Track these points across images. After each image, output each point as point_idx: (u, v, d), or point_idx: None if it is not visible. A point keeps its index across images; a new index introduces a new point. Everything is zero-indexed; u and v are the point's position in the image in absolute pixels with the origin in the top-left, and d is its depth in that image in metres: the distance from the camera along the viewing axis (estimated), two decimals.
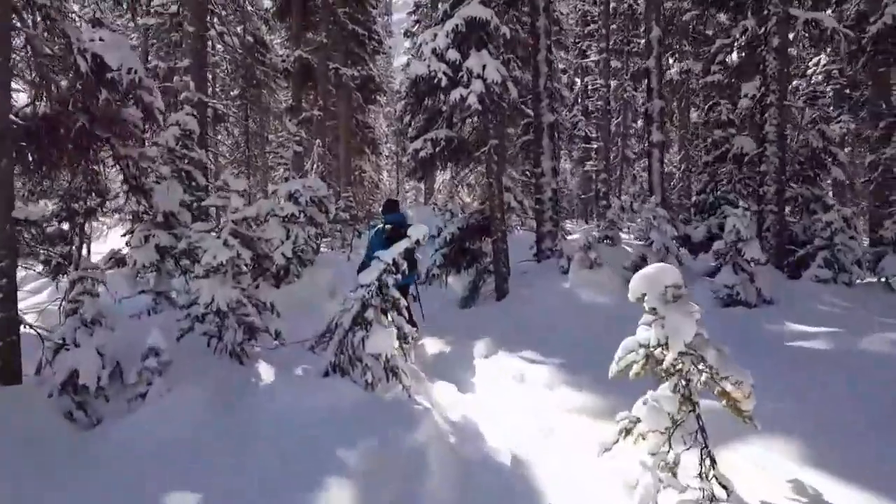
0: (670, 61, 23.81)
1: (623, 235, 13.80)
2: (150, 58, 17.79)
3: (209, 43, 16.63)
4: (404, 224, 8.10)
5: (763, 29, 10.45)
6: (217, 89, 22.89)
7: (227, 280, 6.35)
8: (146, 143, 8.23)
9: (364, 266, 8.50)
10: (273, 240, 8.37)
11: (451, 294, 11.06)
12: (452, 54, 9.80)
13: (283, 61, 22.78)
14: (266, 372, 6.12)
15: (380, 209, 20.97)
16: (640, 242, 14.47)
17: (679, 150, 24.79)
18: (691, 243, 11.53)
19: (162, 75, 16.91)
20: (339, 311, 5.51)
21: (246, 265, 7.39)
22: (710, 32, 22.35)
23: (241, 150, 22.40)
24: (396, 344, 5.32)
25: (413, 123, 11.10)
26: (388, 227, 8.25)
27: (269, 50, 22.64)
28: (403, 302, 5.63)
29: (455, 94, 9.58)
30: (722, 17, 20.01)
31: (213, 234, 6.47)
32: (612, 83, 20.93)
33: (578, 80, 28.27)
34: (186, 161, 8.92)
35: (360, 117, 26.89)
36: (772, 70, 10.17)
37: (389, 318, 5.43)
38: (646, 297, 3.62)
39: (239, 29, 21.21)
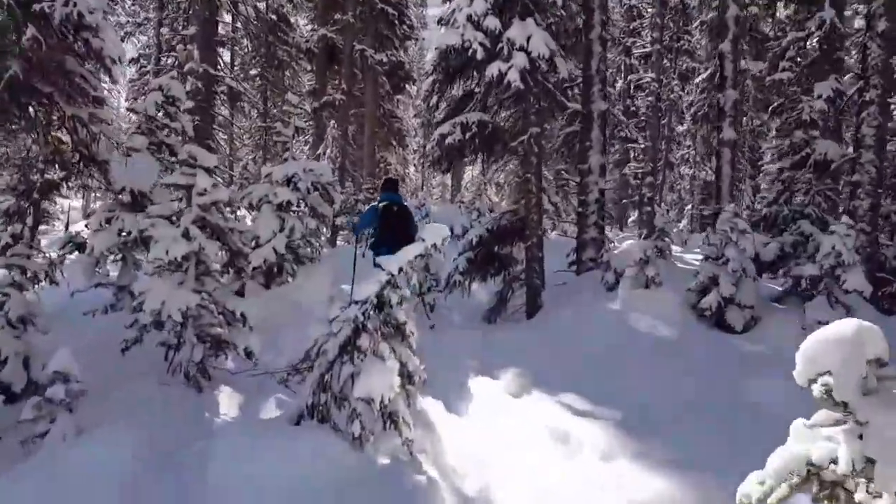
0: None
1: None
2: (162, 29, 16.53)
3: (225, 14, 15.21)
4: (401, 205, 7.87)
5: (867, 10, 8.73)
6: (237, 69, 21.54)
7: (187, 280, 4.87)
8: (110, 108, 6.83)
9: (356, 230, 8.39)
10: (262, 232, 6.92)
11: (475, 304, 9.49)
12: (491, 22, 8.24)
13: (307, 41, 21.39)
14: (227, 404, 4.64)
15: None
16: (698, 258, 12.80)
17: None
18: (758, 262, 9.82)
19: (166, 46, 15.57)
20: (323, 333, 4.00)
21: (225, 264, 5.93)
22: (766, 30, 20.58)
23: (259, 134, 21.05)
24: (398, 383, 3.80)
25: (440, 105, 9.55)
26: (383, 205, 7.67)
27: (292, 28, 21.25)
28: (411, 327, 4.11)
29: (492, 70, 8.01)
30: (783, 12, 18.25)
31: (175, 220, 4.99)
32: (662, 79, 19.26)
33: (620, 80, 26.50)
34: (167, 133, 7.51)
35: (388, 107, 25.45)
36: (874, 60, 8.48)
37: (391, 348, 3.91)
38: (830, 380, 2.02)
39: (261, 4, 19.85)
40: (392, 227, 7.57)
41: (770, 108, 16.98)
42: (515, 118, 9.04)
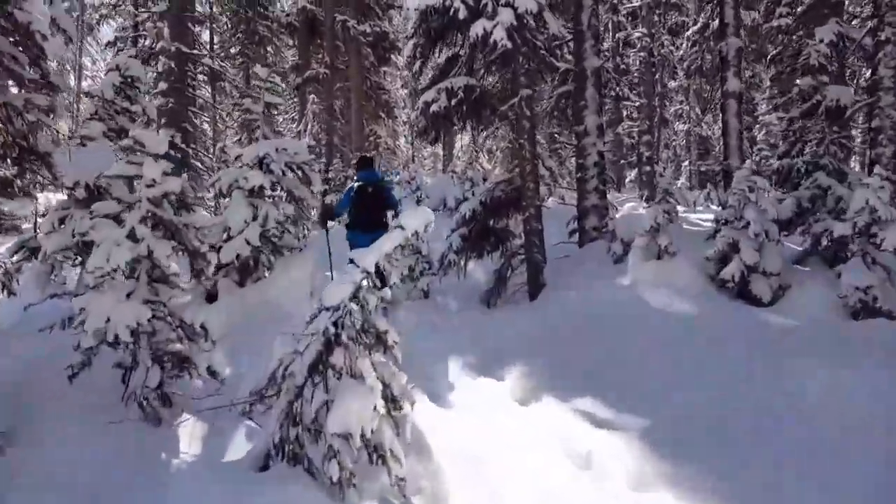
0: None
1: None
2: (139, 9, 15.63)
3: None
4: (377, 183, 7.76)
5: None
6: (216, 47, 20.66)
7: (137, 290, 4.25)
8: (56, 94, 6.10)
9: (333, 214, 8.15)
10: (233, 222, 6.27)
11: (472, 285, 8.88)
12: None
13: (288, 15, 20.49)
14: (188, 440, 4.02)
15: (384, 175, 18.96)
16: (704, 218, 12.16)
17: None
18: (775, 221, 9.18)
19: (142, 27, 14.75)
20: (286, 351, 3.39)
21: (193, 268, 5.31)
22: None
23: (242, 114, 20.24)
24: (382, 408, 3.21)
25: (424, 71, 8.83)
26: (357, 185, 7.60)
27: (272, 3, 20.32)
28: (394, 336, 3.50)
29: (477, 29, 7.29)
30: None
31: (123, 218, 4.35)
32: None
33: (609, 38, 25.61)
34: (128, 117, 6.83)
35: (375, 79, 24.58)
36: None
37: (371, 364, 3.31)
38: None
39: None
40: (367, 206, 7.55)
41: (769, 57, 16.19)
42: (504, 81, 8.34)
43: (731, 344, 5.28)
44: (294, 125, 19.85)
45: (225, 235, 6.32)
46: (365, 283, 3.36)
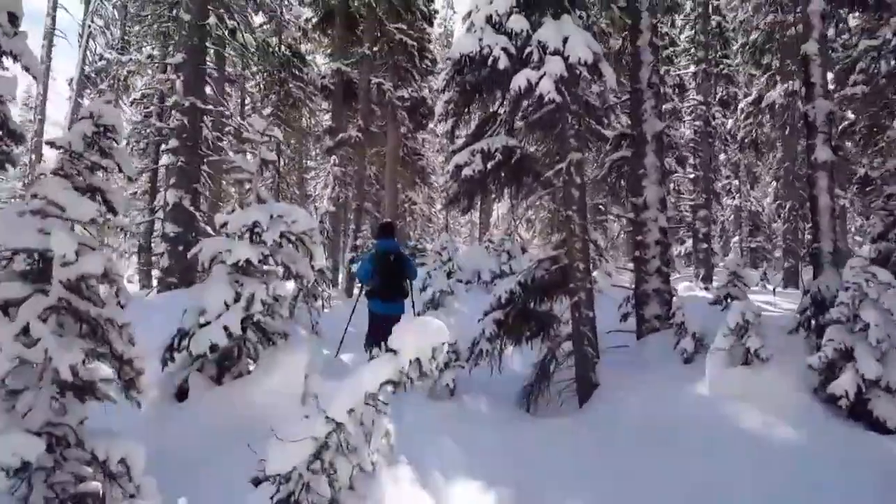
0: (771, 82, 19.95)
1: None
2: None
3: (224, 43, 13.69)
4: (396, 251, 7.90)
5: None
6: (248, 108, 20.18)
7: (33, 412, 3.02)
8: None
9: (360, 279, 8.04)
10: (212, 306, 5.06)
11: (508, 380, 7.43)
12: (517, 23, 6.43)
13: (323, 77, 19.97)
14: None
15: (416, 243, 17.92)
16: (764, 300, 10.63)
17: (783, 187, 20.68)
18: None
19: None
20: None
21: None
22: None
23: (273, 178, 19.54)
24: None
25: (456, 132, 7.71)
26: (378, 253, 7.76)
27: (306, 64, 19.84)
28: None
29: (519, 80, 6.15)
30: (853, 21, 16.20)
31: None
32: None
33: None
34: (102, 173, 5.78)
35: (411, 144, 23.90)
36: None
37: None
38: None
39: (273, 39, 18.50)
40: (387, 275, 7.67)
41: (841, 129, 14.83)
42: (549, 143, 7.13)
43: (853, 492, 3.79)
44: (326, 189, 19.05)
45: (201, 319, 5.11)
46: (334, 439, 2.06)
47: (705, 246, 15.54)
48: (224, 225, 5.29)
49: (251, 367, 5.25)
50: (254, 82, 19.75)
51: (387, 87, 17.70)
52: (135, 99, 15.59)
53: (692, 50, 16.51)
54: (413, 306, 9.25)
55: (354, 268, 12.98)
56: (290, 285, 5.36)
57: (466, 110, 7.46)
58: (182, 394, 5.25)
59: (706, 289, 14.43)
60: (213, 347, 4.90)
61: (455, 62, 6.61)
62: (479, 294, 11.78)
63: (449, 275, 12.74)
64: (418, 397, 6.62)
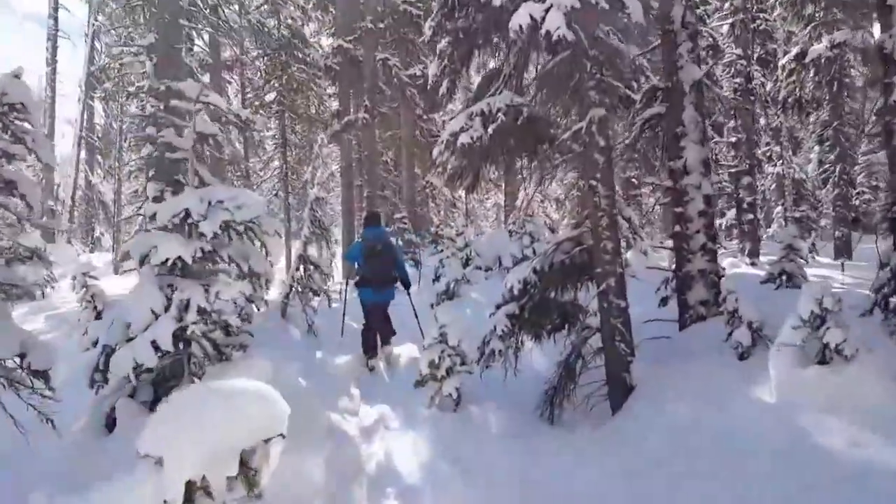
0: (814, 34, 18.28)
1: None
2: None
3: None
4: (383, 239, 7.96)
5: None
6: (249, 95, 19.20)
7: None
8: None
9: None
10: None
11: (525, 383, 6.27)
12: None
13: (326, 58, 18.88)
14: None
15: (434, 230, 16.85)
16: (817, 274, 9.28)
17: (833, 146, 19.01)
18: None
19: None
20: None
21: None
22: None
23: (280, 167, 18.60)
24: None
25: (453, 92, 6.53)
26: (364, 243, 7.90)
27: (308, 45, 18.75)
28: None
29: (520, 18, 4.94)
30: None
31: None
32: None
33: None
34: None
35: (427, 126, 22.72)
36: None
37: None
38: None
39: (271, 21, 17.47)
40: (375, 265, 7.70)
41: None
42: (566, 97, 5.89)
43: None
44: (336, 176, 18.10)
45: (130, 332, 4.07)
46: None
47: (750, 217, 14.08)
48: (153, 217, 4.23)
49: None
50: (254, 68, 18.72)
51: (393, 63, 16.53)
52: (129, 92, 14.68)
53: (727, 4, 15.00)
54: (411, 302, 8.50)
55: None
56: (241, 287, 4.28)
57: (464, 67, 6.29)
58: (113, 423, 4.25)
59: (753, 264, 13.05)
60: (139, 368, 3.85)
61: (441, 4, 5.44)
62: (498, 282, 10.62)
63: (466, 262, 11.63)
64: (414, 409, 5.55)
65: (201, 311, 3.97)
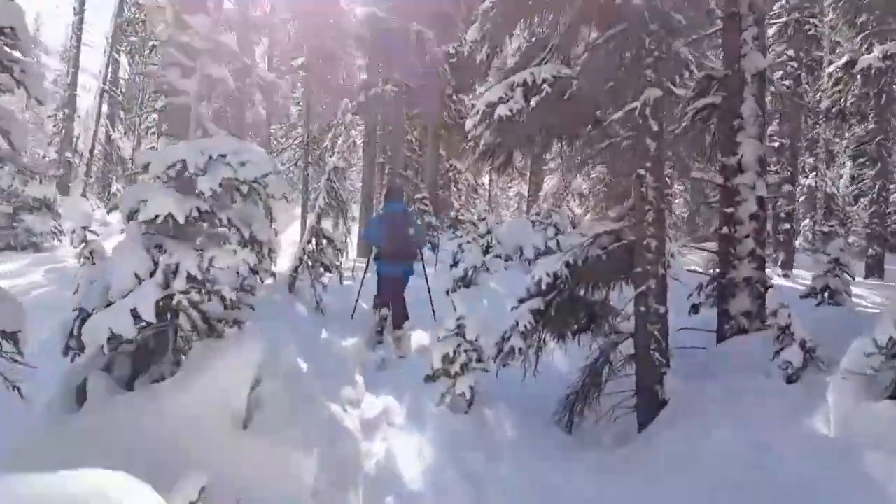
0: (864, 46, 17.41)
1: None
2: None
3: None
4: (403, 213, 7.96)
5: None
6: (276, 60, 18.65)
7: None
8: None
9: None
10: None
11: (545, 386, 5.74)
12: None
13: (359, 27, 18.26)
14: None
15: (454, 214, 16.35)
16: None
17: (875, 161, 18.19)
18: None
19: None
20: None
21: None
22: None
23: (302, 136, 18.09)
24: None
25: (490, 62, 5.96)
26: (383, 215, 7.96)
27: (340, 12, 18.13)
28: None
29: None
30: None
31: None
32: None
33: None
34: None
35: (456, 107, 22.09)
36: None
37: None
38: None
39: None
40: (394, 237, 7.61)
41: None
42: (620, 73, 5.30)
43: None
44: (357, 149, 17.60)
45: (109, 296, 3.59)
46: None
47: (787, 226, 13.41)
48: (146, 167, 3.72)
49: (172, 372, 3.71)
50: (283, 32, 18.12)
51: (428, 37, 15.91)
52: (154, 45, 14.19)
53: (781, 1, 14.21)
54: (426, 279, 8.56)
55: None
56: (242, 255, 3.77)
57: (508, 33, 5.72)
58: (83, 397, 3.77)
59: (786, 276, 12.40)
60: (115, 339, 3.36)
61: None
62: (518, 273, 10.10)
63: (486, 250, 11.09)
64: (422, 405, 5.05)
65: (192, 279, 3.47)
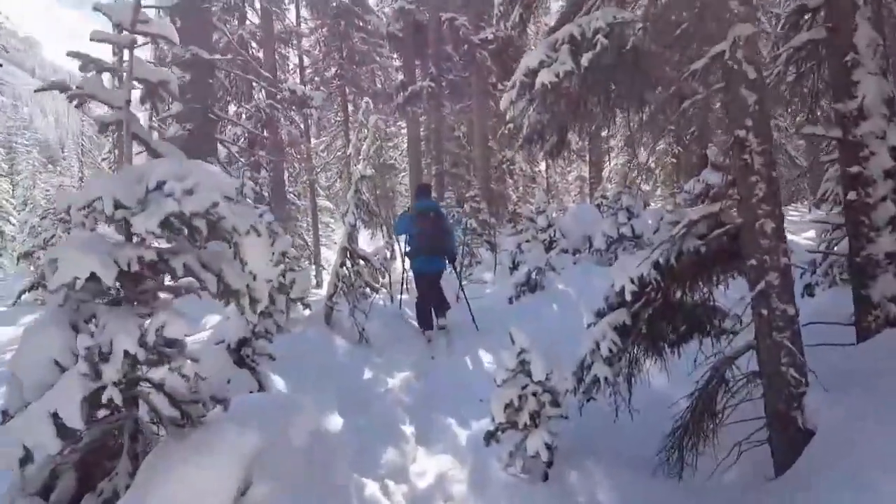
0: None
1: None
2: None
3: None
4: (435, 210, 8.02)
5: None
6: (308, 71, 17.88)
7: None
8: None
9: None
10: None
11: (643, 413, 4.54)
12: None
13: (388, 25, 17.36)
14: None
15: (512, 207, 15.20)
16: None
17: None
18: None
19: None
20: None
21: None
22: None
23: (342, 148, 17.28)
24: None
25: (525, 25, 4.80)
26: (416, 213, 7.87)
27: (369, 11, 17.26)
28: None
29: None
30: None
31: None
32: None
33: None
34: None
35: (500, 94, 20.82)
36: None
37: None
38: None
39: None
40: (427, 234, 7.65)
41: None
42: (693, 15, 4.05)
43: None
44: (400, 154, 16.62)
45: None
46: None
47: None
48: (67, 211, 2.74)
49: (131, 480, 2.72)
50: (312, 39, 17.34)
51: (460, 23, 14.80)
52: (143, 42, 13.54)
53: None
54: (457, 274, 8.69)
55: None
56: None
57: None
58: None
59: None
60: (28, 459, 2.39)
61: None
62: (590, 267, 8.86)
63: (549, 245, 9.90)
64: (488, 469, 3.94)
65: (134, 361, 2.47)
